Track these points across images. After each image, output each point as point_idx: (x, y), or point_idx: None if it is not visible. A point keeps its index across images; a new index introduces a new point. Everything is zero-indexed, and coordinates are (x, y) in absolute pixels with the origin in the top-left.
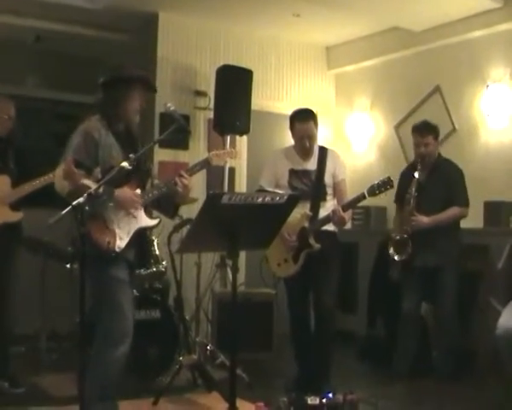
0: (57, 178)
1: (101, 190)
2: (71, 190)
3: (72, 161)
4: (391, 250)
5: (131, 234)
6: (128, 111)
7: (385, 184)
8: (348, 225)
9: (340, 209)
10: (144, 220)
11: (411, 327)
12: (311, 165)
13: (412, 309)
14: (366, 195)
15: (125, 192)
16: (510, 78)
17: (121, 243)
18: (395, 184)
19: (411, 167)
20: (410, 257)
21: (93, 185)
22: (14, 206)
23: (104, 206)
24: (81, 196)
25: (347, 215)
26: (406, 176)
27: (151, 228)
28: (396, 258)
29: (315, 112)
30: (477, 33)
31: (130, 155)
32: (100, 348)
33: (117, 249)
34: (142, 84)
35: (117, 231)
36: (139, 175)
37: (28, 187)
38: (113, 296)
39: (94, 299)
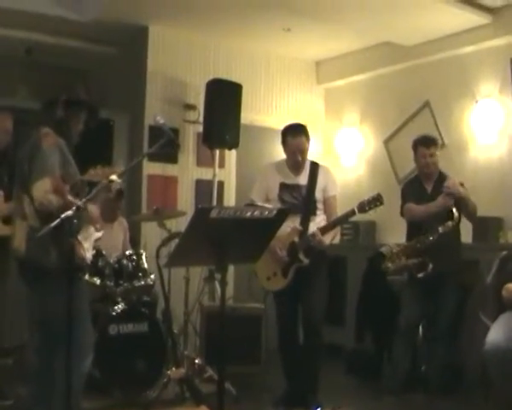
0: (42, 192)
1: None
2: (60, 205)
3: (60, 176)
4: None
5: (91, 247)
6: (76, 132)
7: (375, 201)
8: (337, 240)
9: (319, 232)
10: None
11: (410, 342)
12: (302, 179)
13: (413, 323)
14: (356, 211)
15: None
16: (499, 93)
17: (89, 255)
18: (384, 201)
19: (415, 180)
20: (420, 265)
21: (76, 201)
22: (7, 220)
23: (82, 220)
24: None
25: (331, 235)
26: (414, 188)
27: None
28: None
29: (306, 127)
30: (466, 49)
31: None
32: (67, 362)
33: (88, 262)
34: (89, 109)
35: (84, 244)
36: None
37: None
38: (85, 308)
39: (54, 314)
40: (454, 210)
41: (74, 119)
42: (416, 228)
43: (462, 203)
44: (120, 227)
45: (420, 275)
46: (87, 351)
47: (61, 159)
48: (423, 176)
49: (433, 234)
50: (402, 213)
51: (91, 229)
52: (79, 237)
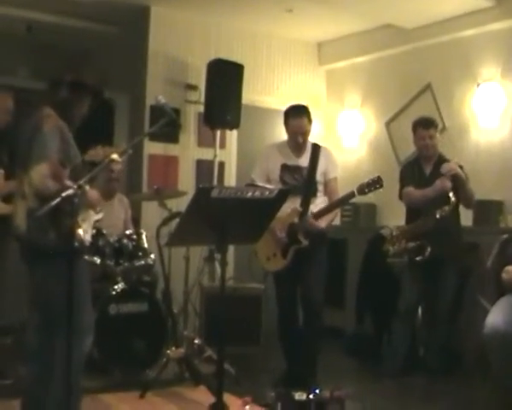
0: (40, 176)
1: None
2: (58, 189)
3: (58, 161)
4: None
5: (91, 228)
6: (79, 115)
7: (374, 184)
8: (337, 222)
9: (310, 217)
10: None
11: (409, 325)
12: (304, 161)
13: (412, 307)
14: (356, 193)
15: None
16: (501, 77)
17: (88, 236)
18: (385, 183)
19: (414, 162)
20: (419, 249)
21: (73, 185)
22: (7, 199)
23: (82, 202)
24: None
25: (330, 217)
26: (412, 171)
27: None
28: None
29: (309, 108)
30: (469, 32)
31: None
32: (67, 342)
33: (87, 244)
34: (95, 93)
35: (83, 225)
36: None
37: None
38: (86, 289)
39: (54, 294)
40: (451, 194)
41: (79, 102)
42: (414, 211)
43: (459, 184)
44: (121, 204)
45: (418, 258)
46: (88, 331)
47: (61, 142)
48: (422, 158)
49: (430, 219)
50: (400, 197)
51: (91, 211)
52: (78, 219)
